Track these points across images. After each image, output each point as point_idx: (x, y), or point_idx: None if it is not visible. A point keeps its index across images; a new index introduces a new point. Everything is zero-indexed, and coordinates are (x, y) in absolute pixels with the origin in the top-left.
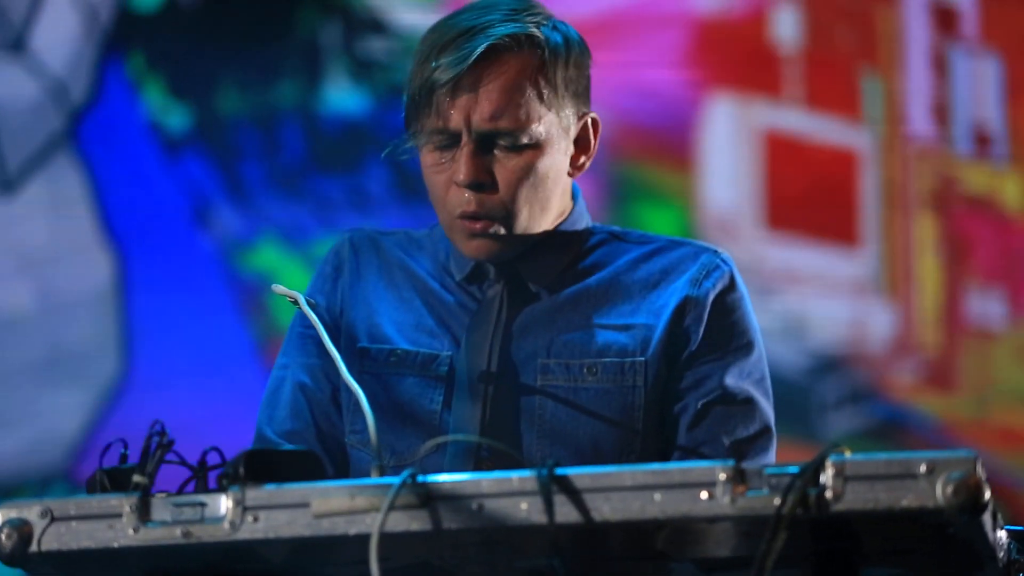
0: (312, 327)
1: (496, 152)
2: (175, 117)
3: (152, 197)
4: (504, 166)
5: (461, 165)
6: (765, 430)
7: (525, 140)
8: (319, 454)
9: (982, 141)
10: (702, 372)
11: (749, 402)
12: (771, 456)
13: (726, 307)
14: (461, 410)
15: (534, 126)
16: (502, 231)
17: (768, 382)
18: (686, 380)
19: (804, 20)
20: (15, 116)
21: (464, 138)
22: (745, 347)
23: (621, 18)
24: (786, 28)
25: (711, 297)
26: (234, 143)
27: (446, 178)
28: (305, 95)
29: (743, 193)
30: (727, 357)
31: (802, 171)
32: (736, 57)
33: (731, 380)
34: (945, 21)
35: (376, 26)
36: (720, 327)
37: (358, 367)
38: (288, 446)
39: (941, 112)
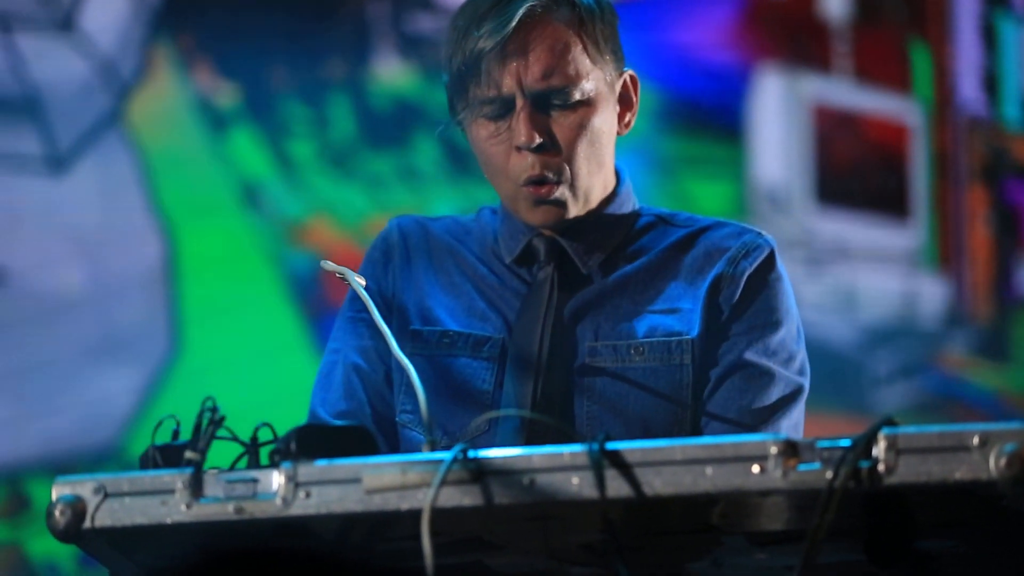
0: (362, 310)
1: (551, 112)
2: (224, 95)
3: (201, 176)
4: (561, 124)
5: (520, 128)
6: (782, 403)
7: (578, 96)
8: (370, 430)
9: None
10: (726, 345)
11: (767, 375)
12: (788, 423)
13: (760, 285)
14: (513, 390)
15: (584, 82)
16: (567, 194)
17: (798, 363)
18: (712, 352)
19: None
20: (65, 95)
21: (519, 101)
22: (772, 324)
23: None
24: (835, 2)
25: (747, 274)
26: (283, 121)
27: (505, 146)
28: (354, 72)
29: (793, 167)
30: (752, 332)
31: (852, 144)
32: (786, 31)
33: (751, 355)
34: None
35: (424, 2)
36: (749, 303)
37: (409, 349)
38: (340, 423)
39: (991, 83)
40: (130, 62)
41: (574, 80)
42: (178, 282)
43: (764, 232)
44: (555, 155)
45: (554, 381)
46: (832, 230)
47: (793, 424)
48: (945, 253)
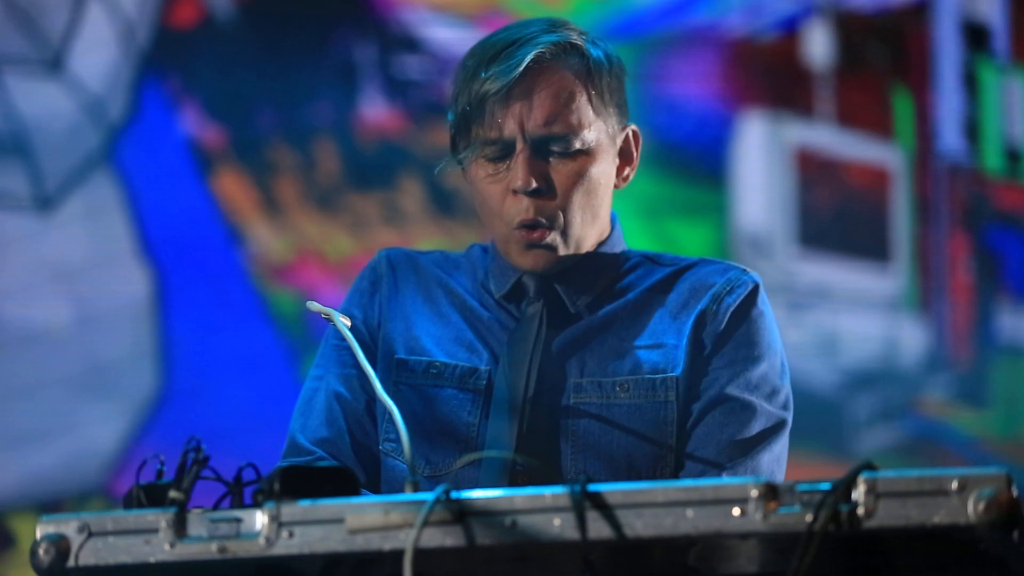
0: (341, 342)
1: (550, 159)
2: (211, 135)
3: (188, 214)
4: (559, 172)
5: (518, 171)
6: (764, 434)
7: (578, 145)
8: (353, 470)
9: (1013, 158)
10: (707, 381)
11: (748, 408)
12: (769, 457)
13: (742, 319)
14: (498, 424)
15: (586, 132)
16: (558, 240)
17: (782, 398)
18: (694, 388)
19: (836, 38)
20: (54, 134)
21: (519, 145)
22: (754, 359)
23: (656, 37)
24: (818, 46)
25: (731, 310)
26: (270, 161)
27: (502, 188)
28: (340, 113)
29: (776, 210)
30: (734, 366)
31: (834, 189)
32: (769, 77)
33: (733, 389)
34: (976, 38)
35: (411, 44)
36: (732, 337)
37: (395, 378)
38: (321, 453)
39: (972, 130)
40: (118, 102)
41: (575, 129)
42: (164, 318)
43: (749, 269)
44: (550, 201)
45: (539, 416)
46: (814, 274)
47: (775, 458)
48: (926, 298)
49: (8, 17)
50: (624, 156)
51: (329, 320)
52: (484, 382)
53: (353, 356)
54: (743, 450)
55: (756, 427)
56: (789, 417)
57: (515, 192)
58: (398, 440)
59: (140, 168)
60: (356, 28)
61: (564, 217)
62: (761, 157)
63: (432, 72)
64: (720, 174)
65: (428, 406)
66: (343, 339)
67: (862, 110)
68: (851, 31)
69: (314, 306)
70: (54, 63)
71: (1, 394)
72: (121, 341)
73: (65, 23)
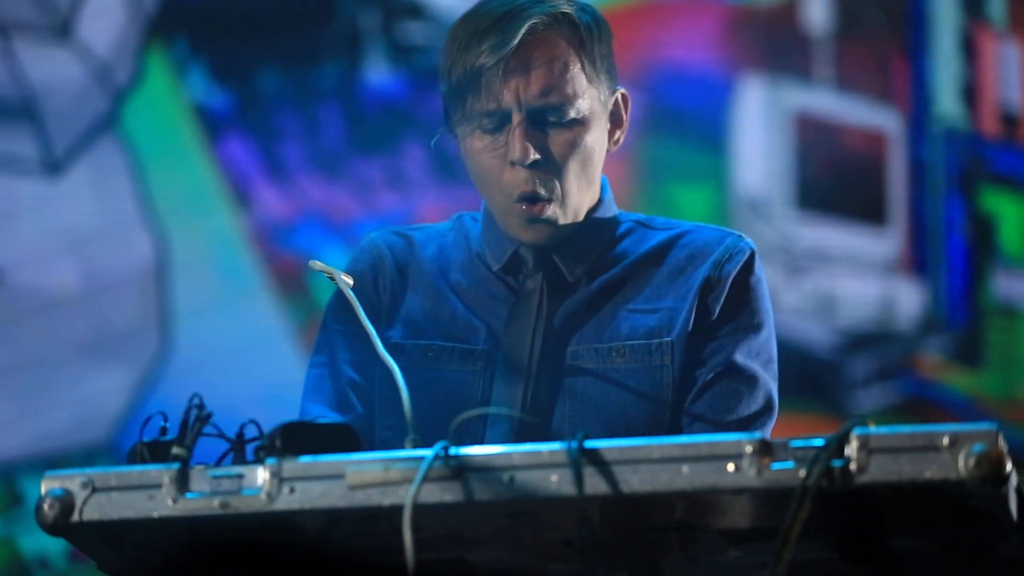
0: (350, 322)
1: (547, 129)
2: (217, 100)
3: (194, 178)
4: (555, 142)
5: (516, 143)
6: (766, 408)
7: (573, 115)
8: (354, 427)
9: (1009, 122)
10: (713, 347)
11: (754, 379)
12: (768, 433)
13: (743, 287)
14: (503, 400)
15: (580, 101)
16: (558, 211)
17: (775, 365)
18: (698, 353)
19: (834, 3)
20: (61, 99)
21: (515, 117)
22: (755, 327)
23: (655, 1)
24: (817, 11)
25: (731, 277)
26: (275, 125)
27: (499, 160)
28: (345, 78)
29: (774, 174)
30: (738, 334)
31: (832, 152)
32: (768, 41)
33: (739, 357)
34: (973, 4)
35: (414, 10)
36: (735, 305)
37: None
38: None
39: (969, 94)
40: (125, 67)
41: (571, 99)
42: (169, 281)
43: (743, 235)
44: (548, 172)
45: (542, 391)
46: (812, 237)
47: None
48: (922, 260)
49: None
50: (615, 120)
51: (332, 278)
52: (483, 362)
53: (362, 340)
54: (750, 424)
55: (758, 402)
56: (775, 393)
57: (512, 164)
58: (396, 427)
59: (147, 133)
60: None
61: (562, 187)
62: (760, 122)
63: (435, 38)
64: (719, 139)
65: (429, 389)
66: (346, 324)
67: (860, 74)
68: None
69: (317, 265)
70: (62, 29)
71: (11, 359)
72: (128, 306)
73: None
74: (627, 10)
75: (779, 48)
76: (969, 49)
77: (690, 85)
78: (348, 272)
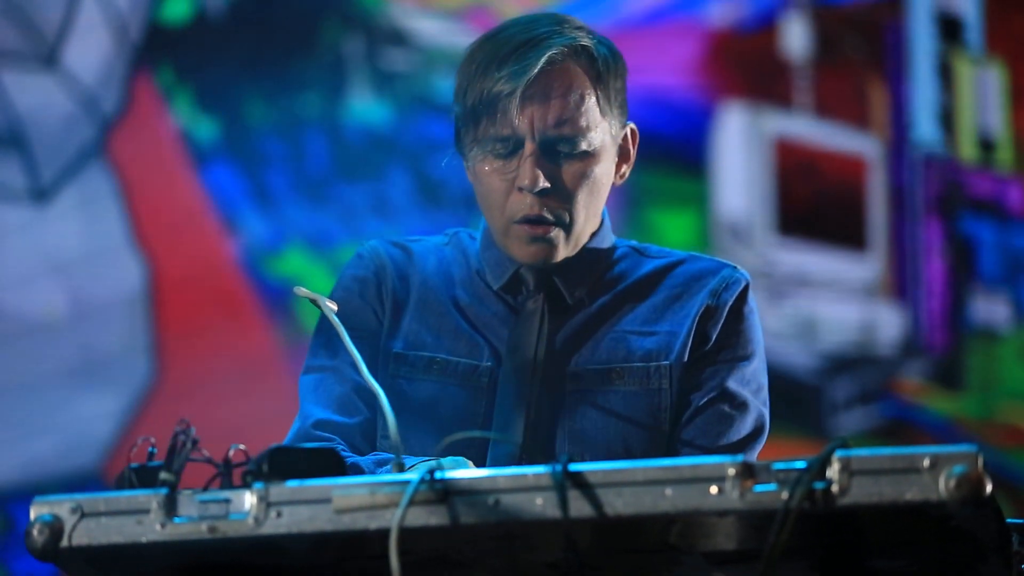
0: (351, 327)
1: (557, 158)
2: (203, 128)
3: (181, 205)
4: (565, 172)
5: (527, 170)
6: (755, 433)
7: (585, 147)
8: (339, 451)
9: (986, 147)
10: (708, 373)
11: (744, 406)
12: (754, 457)
13: (738, 317)
14: (504, 419)
15: (592, 134)
16: (560, 236)
17: (766, 392)
18: (693, 379)
19: (813, 31)
20: (48, 128)
21: (528, 145)
22: (748, 356)
23: (637, 28)
24: (796, 39)
25: (728, 306)
26: (260, 152)
27: (507, 185)
28: (329, 106)
29: (755, 199)
30: (732, 362)
31: (812, 178)
32: (748, 68)
33: (732, 384)
34: (950, 30)
35: (398, 38)
36: (730, 334)
37: (392, 371)
38: (338, 440)
39: (947, 120)
40: (112, 96)
41: (584, 131)
42: (157, 308)
43: (738, 267)
44: (555, 200)
45: (543, 410)
46: (793, 261)
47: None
48: (902, 284)
49: (4, 13)
50: (623, 154)
51: (316, 305)
52: (487, 379)
53: (365, 346)
54: (738, 449)
55: (747, 428)
56: (767, 417)
57: (520, 189)
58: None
59: (134, 160)
60: (344, 23)
61: (569, 215)
62: (741, 147)
63: (418, 64)
64: (701, 164)
65: (430, 403)
66: (354, 327)
67: (839, 101)
68: (828, 24)
69: (301, 291)
70: (48, 58)
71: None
72: (116, 331)
73: (59, 19)
74: (609, 36)
75: (759, 75)
76: (946, 75)
77: (671, 111)
78: (350, 278)
